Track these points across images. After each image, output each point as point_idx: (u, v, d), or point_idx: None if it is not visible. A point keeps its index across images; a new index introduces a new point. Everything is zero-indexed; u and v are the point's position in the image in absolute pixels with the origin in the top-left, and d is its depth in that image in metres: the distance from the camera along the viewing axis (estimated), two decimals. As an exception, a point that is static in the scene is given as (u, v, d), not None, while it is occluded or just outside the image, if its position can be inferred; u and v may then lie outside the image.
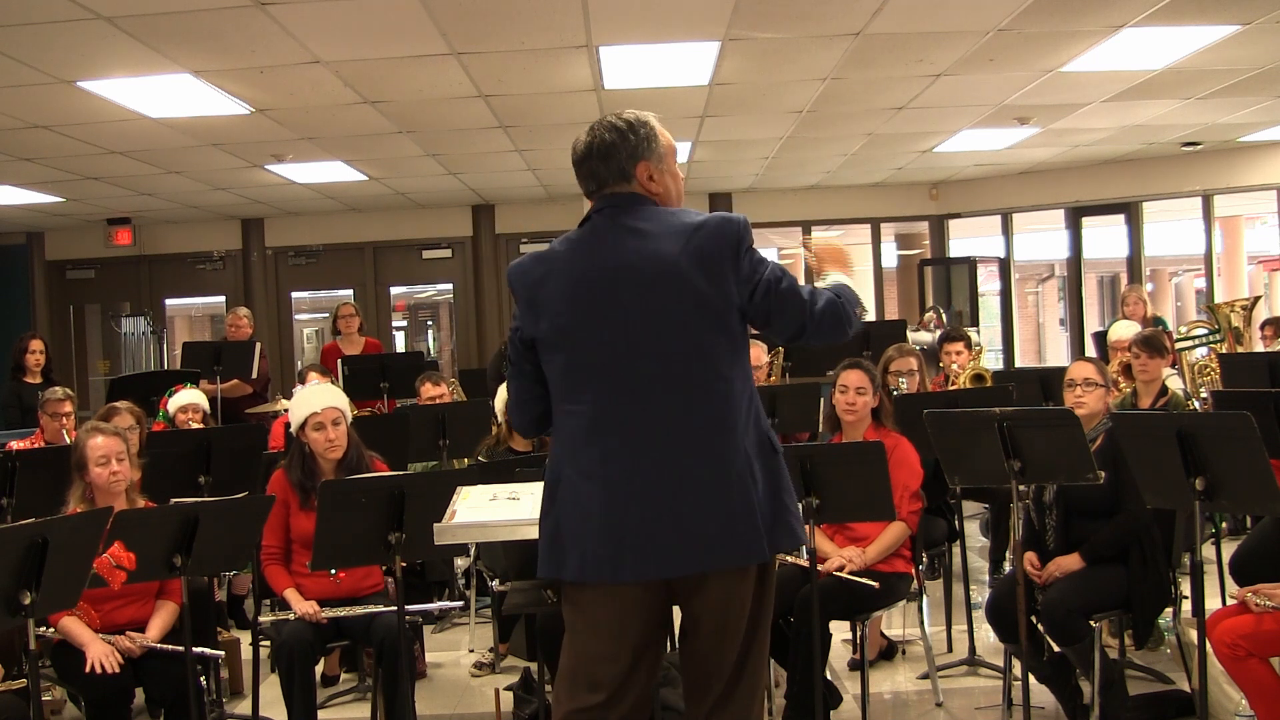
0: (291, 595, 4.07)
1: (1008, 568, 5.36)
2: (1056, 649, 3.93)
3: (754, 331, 2.67)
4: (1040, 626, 3.92)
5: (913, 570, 4.36)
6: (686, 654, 2.59)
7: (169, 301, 12.89)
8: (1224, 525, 6.23)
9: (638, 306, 2.47)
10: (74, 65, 5.76)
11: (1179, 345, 7.02)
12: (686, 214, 2.56)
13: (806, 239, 2.92)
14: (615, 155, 2.56)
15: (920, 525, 4.37)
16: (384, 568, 4.26)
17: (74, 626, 3.68)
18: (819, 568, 3.97)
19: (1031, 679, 3.89)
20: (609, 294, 2.49)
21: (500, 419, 5.35)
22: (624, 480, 2.45)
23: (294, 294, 12.73)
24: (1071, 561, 3.95)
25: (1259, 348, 7.43)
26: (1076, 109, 8.02)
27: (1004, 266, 12.47)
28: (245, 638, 4.98)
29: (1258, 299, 7.79)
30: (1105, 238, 12.34)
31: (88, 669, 3.56)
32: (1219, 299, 9.90)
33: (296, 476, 4.23)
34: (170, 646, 3.77)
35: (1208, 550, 5.18)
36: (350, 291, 12.32)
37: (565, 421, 2.55)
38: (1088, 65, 6.63)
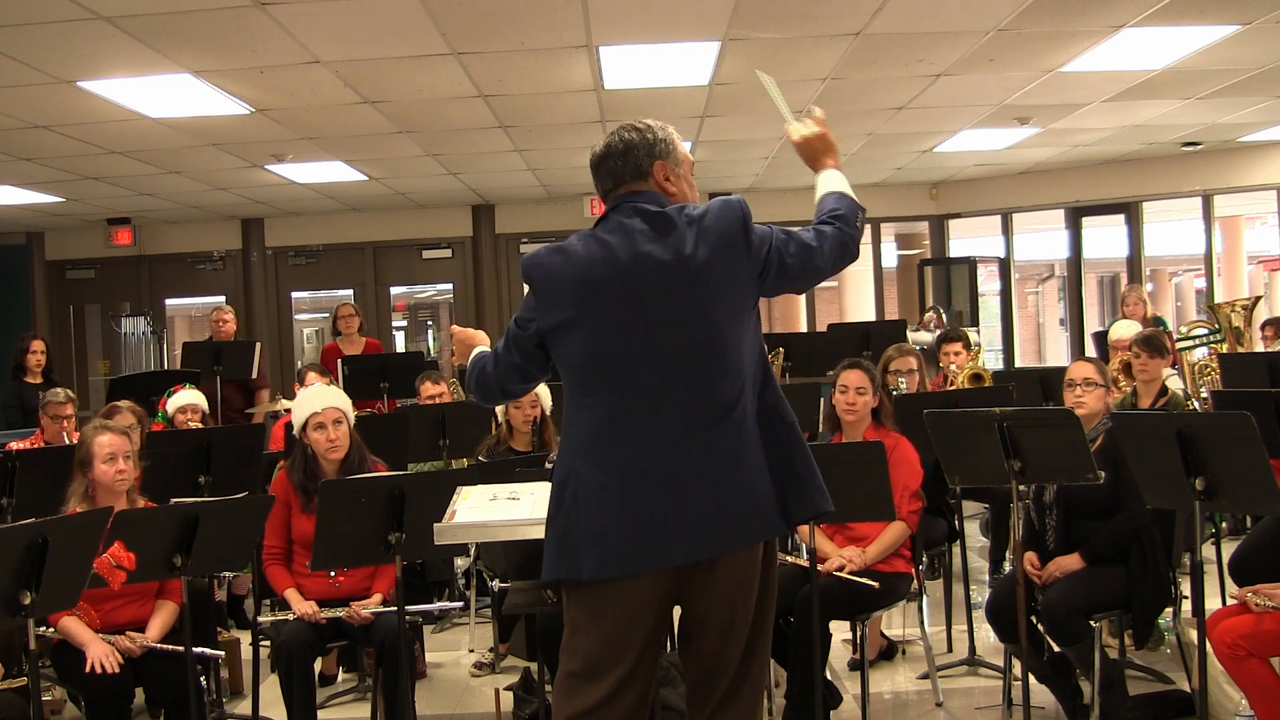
0: (292, 595, 4.07)
1: (1008, 568, 5.36)
2: (1056, 649, 3.93)
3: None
4: (1040, 626, 3.92)
5: (913, 570, 4.36)
6: (692, 652, 2.60)
7: (169, 301, 12.88)
8: (1224, 525, 6.23)
9: (657, 300, 2.50)
10: (74, 65, 5.75)
11: (1179, 345, 7.02)
12: (691, 207, 2.62)
13: (789, 129, 2.95)
14: (634, 152, 2.64)
15: (920, 525, 4.37)
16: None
17: (74, 626, 3.68)
18: (819, 568, 3.97)
19: (1031, 679, 3.89)
20: (628, 287, 2.51)
21: (501, 419, 5.35)
22: (644, 472, 2.47)
23: (294, 294, 12.71)
24: (1071, 561, 3.95)
25: (1259, 348, 7.43)
26: (1076, 109, 8.02)
27: (1004, 266, 12.47)
28: (245, 638, 4.98)
29: (1258, 299, 7.78)
30: (1105, 238, 12.34)
31: (88, 669, 3.56)
32: (1219, 299, 9.89)
33: (298, 478, 4.23)
34: (170, 646, 3.77)
35: (1208, 550, 5.18)
36: (350, 291, 12.31)
37: (580, 416, 2.55)
38: (1088, 65, 6.63)
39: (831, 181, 2.79)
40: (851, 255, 2.69)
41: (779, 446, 2.57)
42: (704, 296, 2.52)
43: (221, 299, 12.21)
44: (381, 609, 4.04)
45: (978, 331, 10.82)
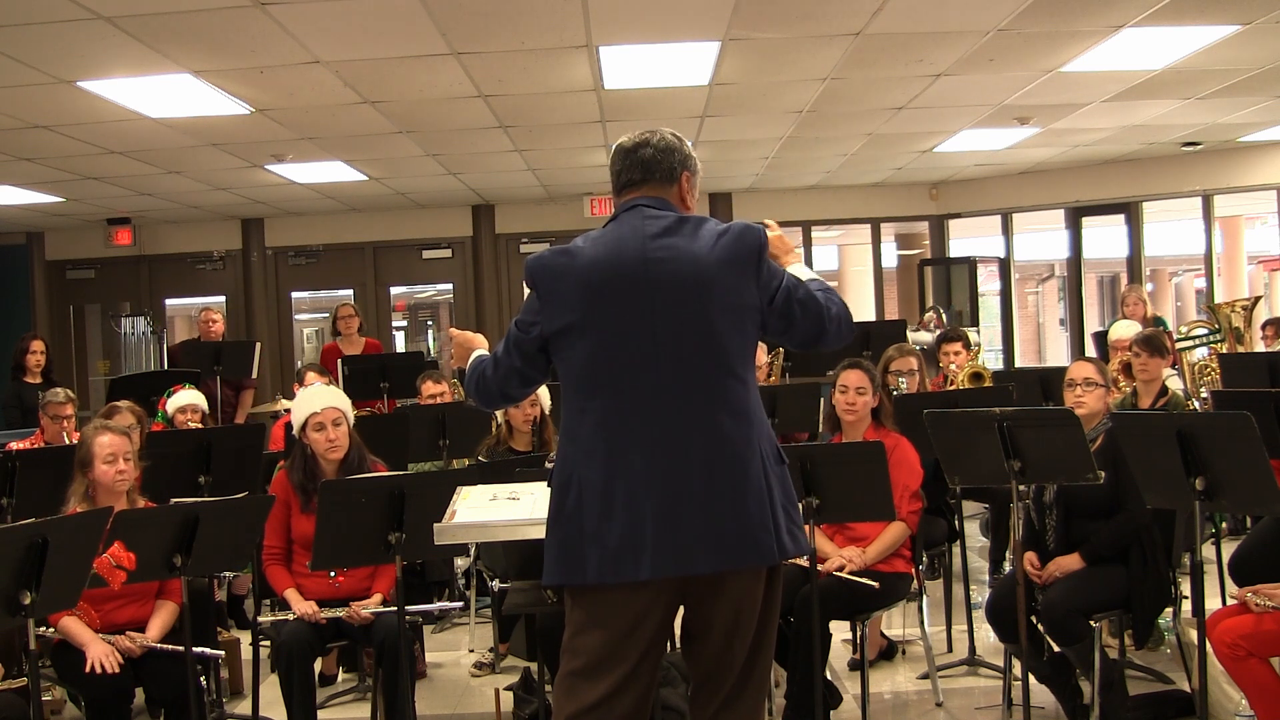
0: (292, 595, 4.08)
1: (1008, 568, 5.36)
2: (1056, 649, 3.93)
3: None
4: (1040, 626, 3.92)
5: (913, 570, 4.36)
6: (696, 654, 2.60)
7: (169, 301, 12.88)
8: (1224, 525, 6.23)
9: (665, 305, 2.50)
10: (74, 65, 5.75)
11: (1179, 345, 7.02)
12: (710, 220, 2.62)
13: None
14: (672, 155, 2.66)
15: (920, 525, 4.37)
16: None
17: (74, 626, 3.68)
18: (819, 568, 3.97)
19: (1031, 679, 3.89)
20: (637, 291, 2.50)
21: (500, 419, 5.35)
22: (646, 478, 2.46)
23: (294, 294, 12.71)
24: (1071, 561, 3.95)
25: (1260, 348, 7.43)
26: (1076, 109, 8.02)
27: (1004, 266, 12.47)
28: (245, 638, 4.98)
29: (1258, 299, 7.79)
30: (1105, 238, 12.34)
31: (88, 669, 3.56)
32: (1219, 299, 9.89)
33: (298, 478, 4.23)
34: (170, 646, 3.77)
35: (1208, 550, 5.18)
36: (350, 291, 12.31)
37: (582, 420, 2.53)
38: (1088, 65, 6.63)
39: (803, 273, 2.78)
40: (852, 333, 2.71)
41: (781, 481, 2.57)
42: (713, 303, 2.51)
43: (221, 299, 12.23)
44: (381, 609, 4.04)
45: (978, 331, 10.81)
